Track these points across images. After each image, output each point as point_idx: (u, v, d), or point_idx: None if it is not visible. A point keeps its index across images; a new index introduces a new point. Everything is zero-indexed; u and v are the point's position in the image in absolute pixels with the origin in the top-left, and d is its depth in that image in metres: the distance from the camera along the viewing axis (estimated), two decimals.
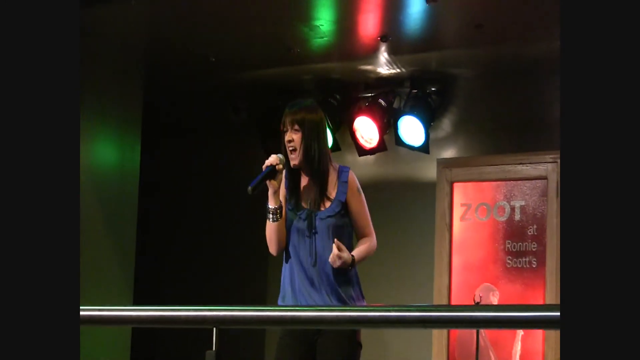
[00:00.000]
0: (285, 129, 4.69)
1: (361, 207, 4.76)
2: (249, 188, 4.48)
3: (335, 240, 4.55)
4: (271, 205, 4.67)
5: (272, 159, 4.63)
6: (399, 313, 3.60)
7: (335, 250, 4.53)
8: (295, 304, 4.70)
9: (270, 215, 4.68)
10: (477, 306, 6.25)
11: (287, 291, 4.74)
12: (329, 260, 4.56)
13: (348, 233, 4.77)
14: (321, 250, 4.66)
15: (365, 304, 4.84)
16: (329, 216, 4.67)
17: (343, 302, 4.67)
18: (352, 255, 4.62)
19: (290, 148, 4.65)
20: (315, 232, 4.67)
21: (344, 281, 4.70)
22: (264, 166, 4.60)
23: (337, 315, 3.93)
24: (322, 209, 4.69)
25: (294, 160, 4.66)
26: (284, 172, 4.75)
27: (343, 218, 4.70)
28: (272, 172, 4.60)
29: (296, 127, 4.65)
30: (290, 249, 4.74)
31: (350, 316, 3.88)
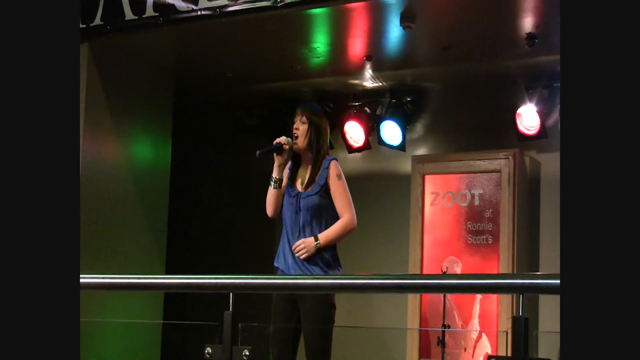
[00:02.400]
0: (295, 120, 4.82)
1: (339, 190, 4.74)
2: (257, 152, 4.70)
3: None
4: (274, 175, 4.80)
5: (282, 139, 4.80)
6: (381, 281, 3.61)
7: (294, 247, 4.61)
8: (285, 264, 4.77)
9: (272, 183, 4.82)
10: (446, 275, 6.26)
11: (279, 253, 4.83)
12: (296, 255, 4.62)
13: (328, 212, 4.76)
14: (302, 225, 4.73)
15: (341, 270, 4.85)
16: (308, 196, 4.74)
17: (317, 266, 4.71)
18: (317, 237, 4.62)
19: (296, 135, 4.78)
20: (300, 209, 4.74)
21: (320, 252, 4.73)
22: (274, 142, 4.78)
23: (331, 283, 3.94)
24: (307, 190, 4.76)
25: (297, 144, 4.78)
26: (289, 162, 4.86)
27: (322, 199, 4.72)
28: (279, 148, 4.76)
29: (303, 119, 4.81)
30: (284, 220, 4.84)
31: (341, 283, 3.88)
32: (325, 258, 4.76)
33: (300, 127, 4.79)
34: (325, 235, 4.65)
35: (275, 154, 4.80)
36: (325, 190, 4.72)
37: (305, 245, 4.61)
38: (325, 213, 4.73)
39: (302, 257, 4.61)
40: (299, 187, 4.80)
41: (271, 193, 4.85)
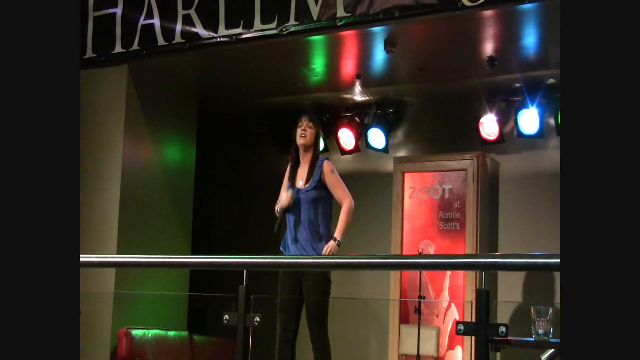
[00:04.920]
0: (302, 123, 4.85)
1: (334, 182, 4.79)
2: (275, 229, 4.71)
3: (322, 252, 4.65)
4: (277, 208, 4.83)
5: (283, 201, 4.80)
6: (368, 260, 3.61)
7: (323, 253, 4.64)
8: (288, 248, 4.80)
9: (277, 213, 4.82)
10: (421, 255, 6.26)
11: (284, 241, 4.88)
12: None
13: (324, 204, 4.80)
14: (302, 214, 4.76)
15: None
16: (307, 191, 4.77)
17: (315, 250, 4.73)
18: (335, 238, 4.66)
19: (303, 135, 4.79)
20: (300, 203, 4.76)
21: (316, 238, 4.75)
22: (277, 208, 4.81)
23: (327, 262, 3.94)
24: (305, 186, 4.78)
25: (303, 140, 4.81)
26: (289, 165, 4.89)
27: (318, 192, 4.77)
28: (286, 209, 4.78)
29: (311, 124, 4.84)
30: (287, 212, 4.85)
31: (336, 262, 3.89)
32: (321, 242, 4.78)
33: (308, 130, 4.84)
34: (339, 230, 4.70)
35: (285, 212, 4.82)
36: (320, 185, 4.76)
37: (330, 248, 4.64)
38: (320, 203, 4.78)
39: (331, 254, 4.62)
40: (298, 184, 4.82)
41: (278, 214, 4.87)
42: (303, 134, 4.82)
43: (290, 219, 4.81)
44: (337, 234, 4.68)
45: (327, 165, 4.79)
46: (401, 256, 6.09)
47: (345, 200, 4.75)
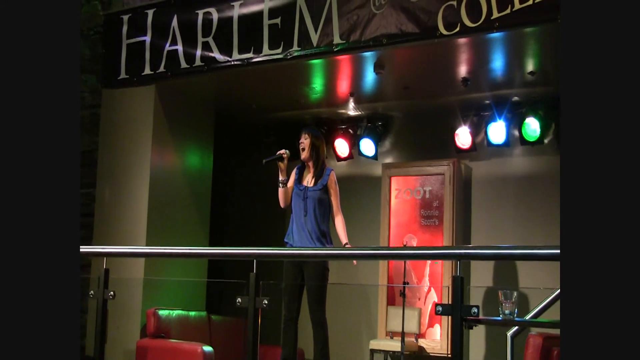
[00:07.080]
0: (301, 137, 4.90)
1: (335, 195, 4.87)
2: (264, 161, 4.80)
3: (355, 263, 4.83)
4: (280, 178, 4.95)
5: (282, 151, 4.96)
6: (361, 251, 3.63)
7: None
8: (293, 239, 4.82)
9: (280, 184, 4.89)
10: (405, 247, 6.27)
11: (290, 231, 4.87)
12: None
13: (326, 204, 4.84)
14: (307, 209, 4.78)
15: (332, 244, 4.93)
16: (314, 190, 4.80)
17: (319, 241, 4.76)
18: (347, 243, 4.82)
19: (302, 148, 4.85)
20: (307, 198, 4.80)
21: (320, 230, 4.78)
22: (277, 153, 4.92)
23: (325, 253, 3.96)
24: (313, 186, 4.82)
25: (303, 154, 4.88)
26: (296, 168, 4.93)
27: (322, 194, 4.83)
28: (280, 158, 4.84)
29: (306, 136, 4.88)
30: (293, 207, 4.88)
31: (333, 253, 3.91)
32: (323, 237, 4.80)
33: (305, 142, 4.89)
34: (345, 237, 4.84)
35: (278, 162, 4.87)
36: (325, 189, 4.82)
37: (356, 261, 4.78)
38: (323, 203, 4.83)
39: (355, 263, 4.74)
40: (305, 183, 4.87)
41: (280, 192, 4.93)
42: (301, 145, 4.93)
43: (296, 213, 4.83)
44: (346, 240, 4.82)
45: (333, 176, 4.91)
46: (388, 248, 6.10)
47: (339, 216, 4.90)
